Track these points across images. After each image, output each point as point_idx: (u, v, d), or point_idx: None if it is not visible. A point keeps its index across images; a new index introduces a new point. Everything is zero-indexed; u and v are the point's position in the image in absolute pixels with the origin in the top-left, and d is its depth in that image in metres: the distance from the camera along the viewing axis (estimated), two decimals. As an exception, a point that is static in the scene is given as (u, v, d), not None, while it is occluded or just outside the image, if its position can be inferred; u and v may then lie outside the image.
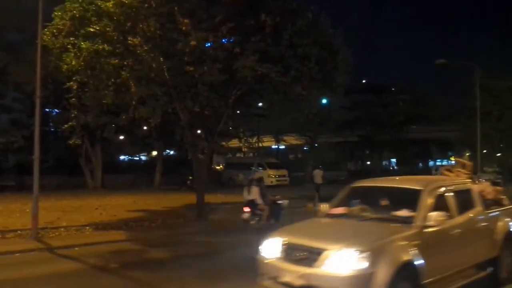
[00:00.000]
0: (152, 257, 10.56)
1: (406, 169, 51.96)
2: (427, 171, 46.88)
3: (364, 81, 54.64)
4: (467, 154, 50.47)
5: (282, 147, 59.55)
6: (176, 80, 13.45)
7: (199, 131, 19.45)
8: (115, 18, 12.43)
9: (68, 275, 8.76)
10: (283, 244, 6.07)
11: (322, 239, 5.84)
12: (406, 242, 5.69)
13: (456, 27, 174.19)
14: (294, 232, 6.48)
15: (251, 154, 48.92)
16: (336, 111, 45.48)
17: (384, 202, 6.74)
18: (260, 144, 49.82)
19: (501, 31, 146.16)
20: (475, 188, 7.62)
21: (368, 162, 64.24)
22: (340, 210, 6.92)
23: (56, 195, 21.90)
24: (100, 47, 12.77)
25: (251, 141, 38.14)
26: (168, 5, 12.32)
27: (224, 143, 33.80)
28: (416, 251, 5.64)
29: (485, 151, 36.53)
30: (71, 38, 13.06)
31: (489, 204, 7.71)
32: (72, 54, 12.91)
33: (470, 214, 7.07)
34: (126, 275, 8.82)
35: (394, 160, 68.34)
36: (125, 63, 13.04)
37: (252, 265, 9.79)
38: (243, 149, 47.79)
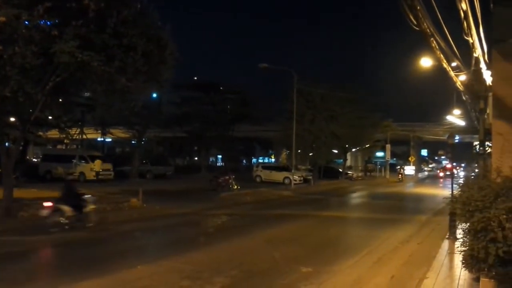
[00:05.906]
0: None
1: (232, 165, 54.65)
2: (250, 167, 49.75)
3: (195, 78, 55.65)
4: (285, 152, 55.36)
5: (108, 140, 57.19)
6: (-20, 60, 11.88)
7: (13, 119, 17.60)
8: None
9: None
10: None
11: None
12: None
13: (288, 36, 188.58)
14: None
15: (74, 146, 45.96)
16: (166, 106, 45.40)
17: None
18: (84, 136, 47.16)
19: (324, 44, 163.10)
20: None
21: (196, 158, 65.65)
22: None
23: None
24: None
25: (72, 132, 35.77)
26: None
27: (41, 133, 31.10)
28: None
29: (299, 150, 40.36)
30: None
31: None
32: None
33: None
34: None
35: (220, 156, 71.07)
36: None
37: (67, 265, 9.25)
38: (65, 141, 44.50)
